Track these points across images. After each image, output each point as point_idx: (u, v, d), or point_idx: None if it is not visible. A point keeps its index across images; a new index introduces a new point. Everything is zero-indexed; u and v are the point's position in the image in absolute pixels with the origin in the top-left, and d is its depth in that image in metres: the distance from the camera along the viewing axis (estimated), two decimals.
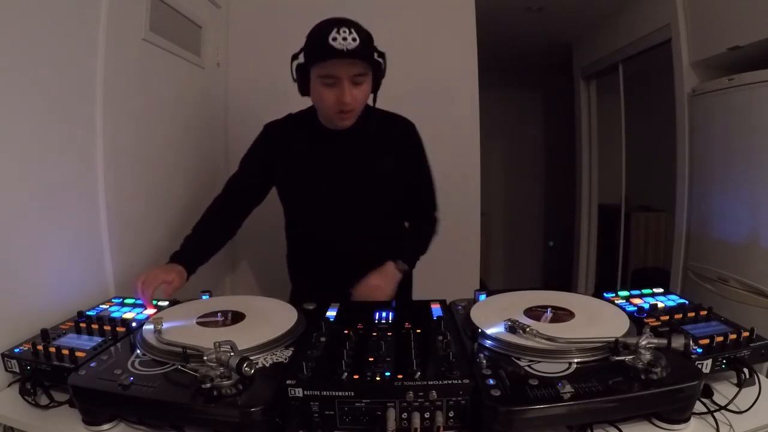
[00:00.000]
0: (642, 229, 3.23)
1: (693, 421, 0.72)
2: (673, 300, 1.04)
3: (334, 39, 1.01)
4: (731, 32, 1.93)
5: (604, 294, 1.08)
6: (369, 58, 1.07)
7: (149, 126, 1.41)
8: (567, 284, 3.77)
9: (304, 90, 1.13)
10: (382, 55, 1.12)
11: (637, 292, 1.09)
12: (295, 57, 1.10)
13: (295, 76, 1.12)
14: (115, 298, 1.15)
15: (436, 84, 1.97)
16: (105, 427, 0.73)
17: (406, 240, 1.31)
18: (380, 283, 1.15)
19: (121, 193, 1.25)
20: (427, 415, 0.68)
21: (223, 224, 1.27)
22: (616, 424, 0.70)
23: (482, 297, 1.04)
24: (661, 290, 1.10)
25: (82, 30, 1.13)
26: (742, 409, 0.74)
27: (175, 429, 0.72)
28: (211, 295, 1.10)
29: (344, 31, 1.01)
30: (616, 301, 1.03)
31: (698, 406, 0.73)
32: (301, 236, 1.32)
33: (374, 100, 1.20)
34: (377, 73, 1.12)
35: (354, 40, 1.02)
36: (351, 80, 1.07)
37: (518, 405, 0.65)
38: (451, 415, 0.69)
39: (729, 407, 0.74)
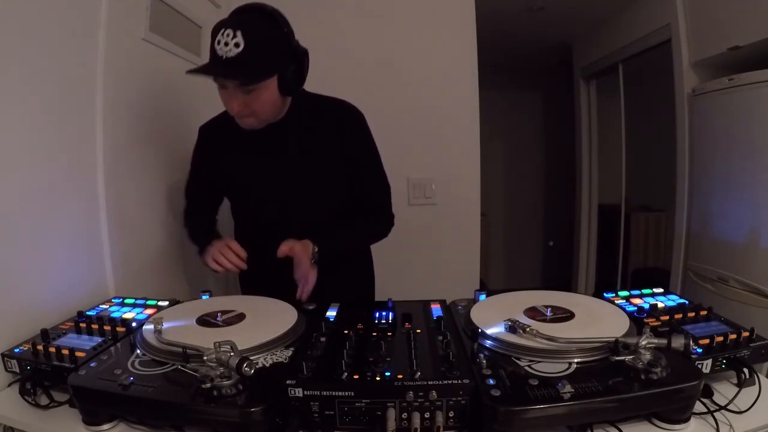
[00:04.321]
0: (642, 229, 3.23)
1: (693, 421, 0.72)
2: (673, 300, 1.04)
3: (218, 42, 0.91)
4: (731, 32, 1.93)
5: (604, 294, 1.08)
6: (250, 71, 0.94)
7: (149, 126, 1.41)
8: (567, 284, 3.77)
9: None
10: (297, 53, 1.01)
11: (637, 292, 1.09)
12: None
13: None
14: (115, 298, 1.15)
15: (436, 84, 1.97)
16: (105, 427, 0.73)
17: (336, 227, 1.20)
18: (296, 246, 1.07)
19: (121, 193, 1.25)
20: (427, 415, 0.68)
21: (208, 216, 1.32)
22: (616, 424, 0.70)
23: (482, 297, 1.04)
24: (661, 290, 1.10)
25: (82, 30, 1.13)
26: (742, 409, 0.74)
27: (175, 429, 0.72)
28: (211, 295, 1.10)
29: (227, 34, 0.90)
30: (616, 301, 1.02)
31: (698, 406, 0.73)
32: (245, 227, 1.29)
33: (293, 101, 1.13)
34: (284, 75, 1.01)
35: (237, 45, 0.89)
36: (238, 87, 0.98)
37: (518, 405, 0.65)
38: (451, 415, 0.69)
39: (729, 407, 0.74)
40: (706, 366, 0.78)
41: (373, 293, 1.38)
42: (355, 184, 1.20)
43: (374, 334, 0.87)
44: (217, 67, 0.94)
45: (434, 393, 0.68)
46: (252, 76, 0.97)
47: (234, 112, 1.01)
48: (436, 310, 1.01)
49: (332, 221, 1.20)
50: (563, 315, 0.90)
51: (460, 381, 0.69)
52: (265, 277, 1.16)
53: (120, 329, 0.93)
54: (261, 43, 0.94)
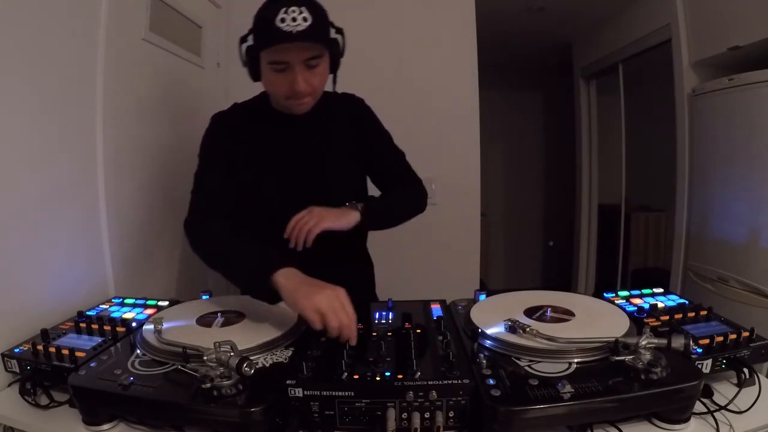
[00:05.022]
0: (642, 229, 3.23)
1: (693, 421, 0.72)
2: (673, 300, 1.04)
3: (282, 20, 0.91)
4: (731, 32, 1.93)
5: (604, 294, 1.08)
6: (323, 39, 0.97)
7: (149, 126, 1.41)
8: (567, 284, 3.77)
9: (256, 75, 1.04)
10: (339, 30, 1.02)
11: (637, 292, 1.09)
12: (243, 39, 1.01)
13: (244, 60, 1.02)
14: (115, 298, 1.15)
15: (436, 84, 1.97)
16: (105, 427, 0.73)
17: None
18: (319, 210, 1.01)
19: (121, 193, 1.25)
20: (427, 415, 0.68)
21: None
22: (616, 424, 0.70)
23: (482, 297, 1.04)
24: (661, 290, 1.10)
25: (83, 30, 1.13)
26: (742, 409, 0.74)
27: (175, 429, 0.72)
28: (211, 295, 1.10)
29: (293, 11, 0.91)
30: (616, 301, 1.02)
31: (698, 406, 0.73)
32: (262, 225, 1.12)
33: (334, 81, 1.11)
34: (335, 51, 1.02)
35: (305, 19, 0.91)
36: (304, 65, 0.97)
37: (518, 405, 0.65)
38: (451, 415, 0.69)
39: (729, 407, 0.74)
40: (706, 366, 0.78)
41: (374, 293, 1.37)
42: (375, 168, 1.22)
43: (374, 334, 0.87)
44: (306, 36, 0.92)
45: (434, 393, 0.68)
46: (326, 41, 0.98)
47: (300, 90, 0.99)
48: (436, 310, 1.01)
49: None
50: (563, 315, 0.90)
51: (460, 381, 0.69)
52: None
53: (120, 329, 0.93)
54: (323, 17, 0.97)
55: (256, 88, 2.04)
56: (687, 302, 1.01)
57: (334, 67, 1.06)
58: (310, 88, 1.01)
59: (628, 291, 1.09)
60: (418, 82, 1.97)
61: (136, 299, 1.12)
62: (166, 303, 1.08)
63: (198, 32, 1.69)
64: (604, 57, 3.11)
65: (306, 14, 0.91)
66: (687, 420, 0.71)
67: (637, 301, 1.03)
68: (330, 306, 0.81)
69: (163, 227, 1.48)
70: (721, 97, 2.02)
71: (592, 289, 2.60)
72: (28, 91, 0.98)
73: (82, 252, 1.15)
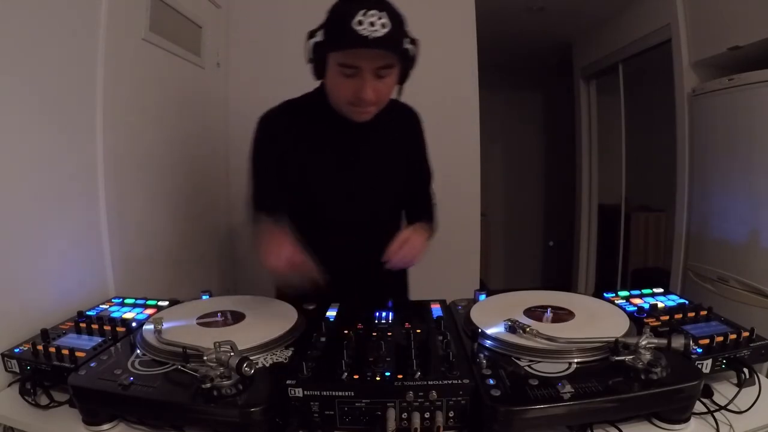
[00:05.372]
0: (642, 229, 3.23)
1: (693, 421, 0.72)
2: (673, 300, 1.04)
3: (360, 23, 0.86)
4: (731, 32, 1.93)
5: (604, 294, 1.08)
6: (398, 49, 0.93)
7: (149, 126, 1.41)
8: (567, 284, 3.77)
9: (320, 74, 1.00)
10: (414, 41, 0.98)
11: (637, 292, 1.09)
12: (312, 34, 0.96)
13: (311, 56, 0.97)
14: (115, 298, 1.15)
15: (436, 84, 1.97)
16: (105, 427, 0.73)
17: (422, 214, 1.25)
18: (410, 236, 1.07)
19: (121, 193, 1.25)
20: (427, 415, 0.68)
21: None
22: (616, 424, 0.70)
23: (482, 297, 1.04)
24: (661, 290, 1.10)
25: (82, 30, 1.13)
26: (742, 409, 0.74)
27: (175, 429, 0.72)
28: (211, 295, 1.10)
29: (372, 15, 0.86)
30: (616, 301, 1.02)
31: (698, 406, 0.73)
32: (303, 226, 1.07)
33: (399, 93, 1.08)
34: (406, 63, 0.98)
35: (383, 26, 0.87)
36: (374, 72, 0.94)
37: (518, 405, 0.65)
38: (451, 415, 0.69)
39: (729, 407, 0.74)
40: (706, 366, 0.78)
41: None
42: (414, 183, 1.26)
43: (374, 334, 0.87)
44: (383, 43, 0.89)
45: (434, 393, 0.68)
46: (402, 52, 0.95)
47: (366, 98, 0.96)
48: (436, 310, 1.01)
49: (389, 218, 1.23)
50: (563, 315, 0.90)
51: (460, 381, 0.69)
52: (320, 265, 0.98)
53: (120, 329, 0.93)
54: (401, 25, 0.93)
55: (256, 89, 2.04)
56: (687, 302, 1.01)
57: (402, 78, 1.03)
58: (376, 98, 0.98)
59: (628, 291, 1.09)
60: (418, 82, 1.96)
61: (136, 299, 1.12)
62: (166, 303, 1.08)
63: (198, 32, 1.69)
64: (604, 57, 3.11)
65: (385, 20, 0.87)
66: (687, 420, 0.71)
67: (637, 301, 1.03)
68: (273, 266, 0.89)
69: (163, 227, 1.48)
70: (721, 97, 2.02)
71: (592, 289, 2.60)
72: (28, 91, 0.98)
73: (82, 252, 1.15)
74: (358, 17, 0.86)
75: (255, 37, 1.94)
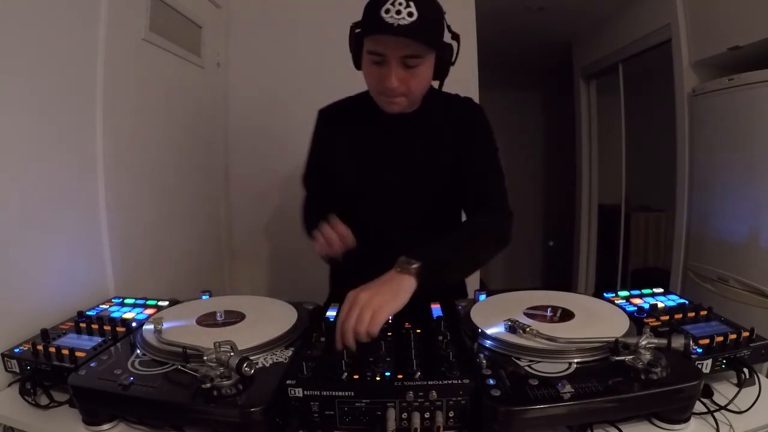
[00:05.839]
0: (642, 229, 3.23)
1: (693, 421, 0.72)
2: (673, 300, 1.04)
3: (387, 11, 0.87)
4: (731, 32, 1.93)
5: (604, 294, 1.08)
6: (426, 39, 0.91)
7: (149, 126, 1.41)
8: (567, 284, 3.77)
9: (358, 62, 1.00)
10: (456, 36, 0.97)
11: (637, 292, 1.09)
12: (356, 25, 0.97)
13: (350, 45, 0.99)
14: (115, 298, 1.15)
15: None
16: (105, 427, 0.73)
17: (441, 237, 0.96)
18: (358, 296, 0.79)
19: (121, 193, 1.25)
20: (427, 415, 0.68)
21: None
22: (616, 424, 0.70)
23: (482, 297, 1.04)
24: (661, 290, 1.10)
25: (82, 30, 1.13)
26: (742, 409, 0.74)
27: (175, 429, 0.72)
28: (211, 295, 1.10)
29: (399, 3, 0.87)
30: (616, 301, 1.03)
31: (698, 406, 0.73)
32: (349, 225, 1.03)
33: (440, 89, 1.05)
34: (443, 57, 0.97)
35: (410, 14, 0.87)
36: (400, 61, 0.93)
37: (518, 405, 0.65)
38: (451, 415, 0.69)
39: (729, 407, 0.74)
40: (706, 366, 0.78)
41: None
42: (470, 183, 1.10)
43: None
44: (407, 31, 0.88)
45: (434, 393, 0.68)
46: (430, 41, 0.93)
47: (392, 87, 0.95)
48: (436, 310, 1.01)
49: (429, 223, 1.11)
50: (563, 315, 0.90)
51: (460, 381, 0.69)
52: (363, 278, 0.87)
53: (120, 329, 0.93)
54: (430, 15, 0.92)
55: (256, 89, 2.04)
56: (687, 302, 1.01)
57: (440, 74, 1.01)
58: (403, 88, 0.96)
59: (628, 291, 1.09)
60: None
61: (136, 299, 1.12)
62: (166, 303, 1.08)
63: (198, 32, 1.69)
64: (604, 57, 3.11)
65: (412, 9, 0.87)
66: (687, 420, 0.71)
67: (637, 301, 1.03)
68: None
69: (163, 227, 1.48)
70: (721, 97, 2.02)
71: (592, 289, 2.60)
72: (28, 91, 0.98)
73: (82, 252, 1.15)
74: (387, 5, 0.87)
75: (255, 37, 1.94)
